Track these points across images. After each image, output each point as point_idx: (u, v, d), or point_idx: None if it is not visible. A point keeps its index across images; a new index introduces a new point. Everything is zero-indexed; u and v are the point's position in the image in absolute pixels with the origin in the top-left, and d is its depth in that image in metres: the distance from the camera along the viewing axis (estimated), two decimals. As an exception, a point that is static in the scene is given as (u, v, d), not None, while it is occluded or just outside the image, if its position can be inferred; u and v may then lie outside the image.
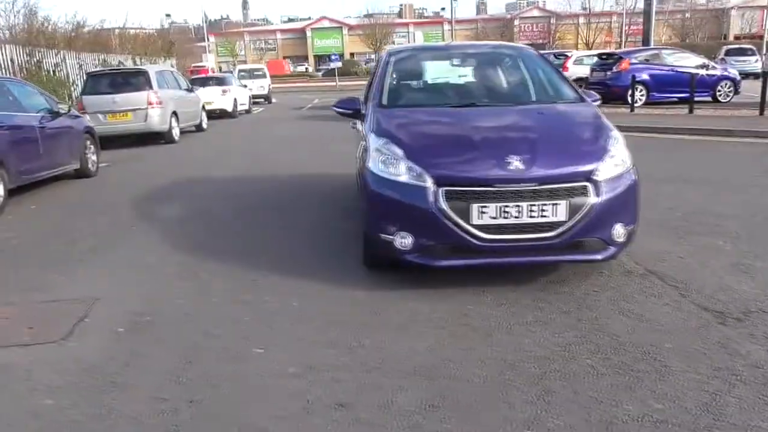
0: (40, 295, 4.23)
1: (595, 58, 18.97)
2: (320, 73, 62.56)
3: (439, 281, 4.09)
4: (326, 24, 76.62)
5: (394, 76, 5.07)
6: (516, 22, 73.08)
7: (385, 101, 4.75)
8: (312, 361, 3.11)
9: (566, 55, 21.37)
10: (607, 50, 20.09)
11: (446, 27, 74.58)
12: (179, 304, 3.95)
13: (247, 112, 23.26)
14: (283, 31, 79.55)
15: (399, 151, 3.98)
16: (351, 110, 5.04)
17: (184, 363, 3.15)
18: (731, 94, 16.70)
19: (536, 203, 3.72)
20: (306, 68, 70.87)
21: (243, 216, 6.39)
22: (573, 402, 2.68)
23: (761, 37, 54.95)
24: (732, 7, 69.03)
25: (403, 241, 3.86)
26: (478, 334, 3.39)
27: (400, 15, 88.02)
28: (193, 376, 3.02)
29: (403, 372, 2.99)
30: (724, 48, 32.46)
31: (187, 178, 8.91)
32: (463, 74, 5.33)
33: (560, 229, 3.77)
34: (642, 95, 16.25)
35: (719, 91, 16.62)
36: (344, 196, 6.93)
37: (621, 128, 4.57)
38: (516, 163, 3.79)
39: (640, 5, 54.80)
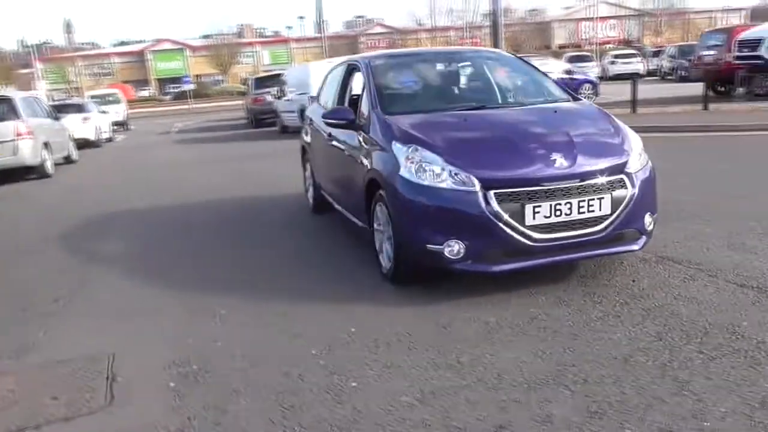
0: (33, 357, 3.54)
1: None
2: (168, 97, 59.75)
3: (471, 289, 3.97)
4: (168, 46, 73.30)
5: (383, 83, 4.87)
6: (362, 39, 74.67)
7: (389, 108, 4.54)
8: (421, 387, 2.86)
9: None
10: None
11: (293, 45, 74.63)
12: (220, 347, 3.47)
13: (109, 140, 21.57)
14: (119, 54, 74.99)
15: (434, 156, 3.82)
16: (345, 120, 4.77)
17: (281, 410, 2.75)
18: (592, 96, 18.19)
19: (584, 199, 3.73)
20: (150, 92, 67.34)
21: (209, 245, 5.83)
22: (719, 388, 2.67)
23: (579, 46, 60.96)
24: (553, 20, 75.53)
25: (454, 249, 3.69)
26: (564, 335, 3.30)
27: (239, 35, 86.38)
28: (305, 422, 2.64)
29: (530, 383, 2.82)
30: (566, 55, 35.35)
31: (102, 212, 7.99)
32: (453, 78, 5.24)
33: (605, 223, 3.80)
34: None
35: (581, 93, 18.02)
36: (298, 212, 6.61)
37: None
38: (561, 161, 3.78)
39: (479, 20, 59.45)
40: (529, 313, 3.60)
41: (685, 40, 50.93)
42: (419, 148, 3.91)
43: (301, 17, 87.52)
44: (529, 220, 3.66)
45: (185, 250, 5.69)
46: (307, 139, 6.52)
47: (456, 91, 5.08)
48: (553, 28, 76.72)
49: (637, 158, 4.01)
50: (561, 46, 68.31)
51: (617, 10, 74.62)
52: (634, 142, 4.15)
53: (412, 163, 3.85)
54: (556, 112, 4.42)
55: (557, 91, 4.93)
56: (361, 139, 4.61)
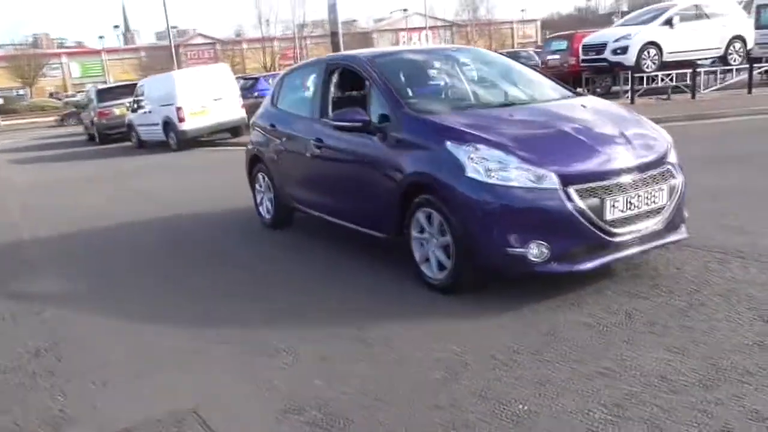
0: (85, 428, 2.77)
1: None
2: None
3: (526, 292, 3.81)
4: (-41, 57, 64.44)
5: (397, 81, 4.56)
6: (182, 50, 71.34)
7: (417, 107, 4.25)
8: (599, 399, 2.64)
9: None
10: None
11: (105, 57, 69.25)
12: (323, 386, 2.96)
13: None
14: None
15: (502, 154, 3.63)
16: (359, 122, 4.37)
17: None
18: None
19: (649, 190, 3.75)
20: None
21: (193, 269, 5.07)
22: None
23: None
24: (374, 30, 77.90)
25: (537, 251, 3.52)
26: (676, 328, 3.24)
27: (35, 45, 77.90)
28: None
29: (701, 382, 2.72)
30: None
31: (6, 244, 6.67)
32: (464, 75, 5.03)
33: (666, 213, 3.86)
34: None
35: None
36: (266, 232, 6.04)
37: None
38: (624, 153, 3.78)
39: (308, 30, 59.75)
40: (620, 311, 3.51)
41: (491, 48, 55.27)
42: (481, 146, 3.69)
43: (116, 26, 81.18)
44: (608, 215, 3.59)
45: (157, 278, 4.94)
46: (266, 148, 5.94)
47: (476, 88, 4.89)
48: (374, 38, 79.27)
49: (672, 148, 4.12)
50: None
51: (431, 21, 78.89)
52: (664, 131, 4.27)
53: (478, 162, 3.62)
54: (584, 106, 4.42)
55: (558, 86, 4.94)
56: (381, 142, 4.26)
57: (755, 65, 15.13)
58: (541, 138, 3.88)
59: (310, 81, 5.47)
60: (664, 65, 14.95)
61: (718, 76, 15.66)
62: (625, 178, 3.67)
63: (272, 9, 63.19)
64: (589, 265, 3.61)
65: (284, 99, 5.94)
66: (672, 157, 4.03)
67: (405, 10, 72.54)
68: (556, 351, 3.10)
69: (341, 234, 5.33)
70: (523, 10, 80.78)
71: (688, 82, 14.50)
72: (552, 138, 3.88)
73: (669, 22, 15.01)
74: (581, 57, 16.36)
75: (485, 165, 3.60)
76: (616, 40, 15.26)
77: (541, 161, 3.60)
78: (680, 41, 15.02)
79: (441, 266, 3.95)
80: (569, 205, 3.50)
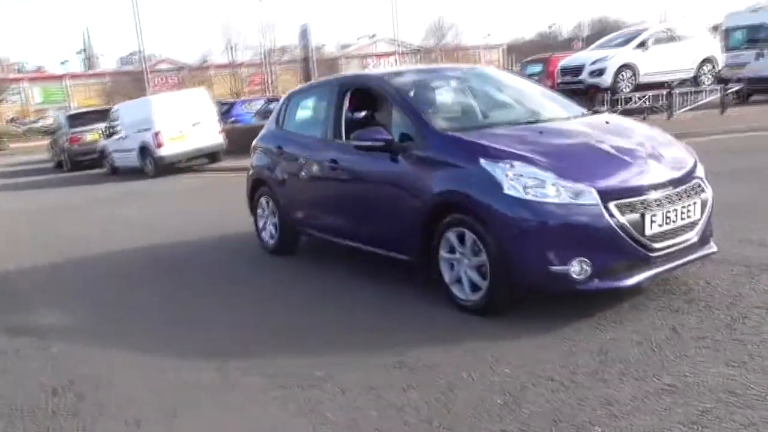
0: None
1: None
2: None
3: (559, 311, 3.74)
4: None
5: (419, 100, 4.49)
6: (149, 75, 70.65)
7: (442, 125, 4.18)
8: (679, 419, 2.55)
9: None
10: None
11: (68, 82, 68.12)
12: (397, 425, 2.77)
13: None
14: None
15: (539, 171, 3.57)
16: (383, 142, 4.27)
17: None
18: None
19: (684, 204, 3.72)
20: None
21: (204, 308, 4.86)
22: None
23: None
24: (341, 56, 78.40)
25: (580, 268, 3.45)
26: (726, 342, 3.20)
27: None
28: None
29: (762, 396, 2.66)
30: None
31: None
32: (482, 93, 4.97)
33: (698, 227, 3.84)
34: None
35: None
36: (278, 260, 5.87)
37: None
38: (657, 168, 3.76)
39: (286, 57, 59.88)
40: (664, 326, 3.45)
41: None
42: (517, 163, 3.62)
43: (80, 51, 79.78)
44: (648, 230, 3.55)
45: (163, 307, 4.73)
46: (271, 171, 5.79)
47: (495, 106, 4.84)
48: (341, 64, 79.77)
49: (698, 161, 4.12)
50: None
51: (397, 46, 79.66)
52: (688, 146, 4.27)
53: (515, 180, 3.55)
54: (608, 122, 4.40)
55: (574, 104, 4.93)
56: (405, 162, 4.17)
57: (725, 86, 15.54)
58: (574, 154, 3.84)
59: (321, 102, 5.37)
60: (638, 87, 15.26)
61: (689, 97, 16.04)
62: (662, 193, 3.64)
63: (241, 34, 62.81)
64: (630, 281, 3.55)
65: (291, 120, 5.82)
66: (700, 171, 4.03)
67: (373, 35, 73.18)
68: (613, 370, 3.02)
69: (350, 258, 5.24)
70: (488, 35, 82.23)
71: (663, 102, 14.80)
72: (585, 154, 3.84)
73: (643, 45, 15.37)
74: (558, 79, 16.61)
75: (522, 182, 3.54)
76: (593, 63, 15.55)
77: (579, 177, 3.55)
78: (654, 63, 15.38)
79: (474, 287, 3.85)
80: (611, 221, 3.45)
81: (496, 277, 3.66)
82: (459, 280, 3.95)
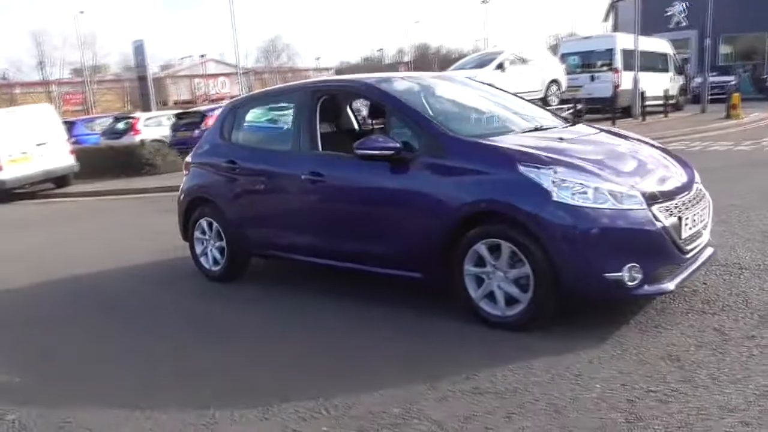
0: None
1: (173, 119, 18.19)
2: None
3: (593, 319, 3.70)
4: None
5: (418, 105, 4.21)
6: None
7: (460, 131, 3.94)
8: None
9: (132, 117, 19.62)
10: (186, 110, 19.47)
11: None
12: None
13: None
14: None
15: (586, 175, 3.48)
16: (392, 150, 3.93)
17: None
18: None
19: (700, 207, 3.83)
20: None
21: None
22: None
23: (193, 102, 61.52)
24: (167, 76, 74.78)
25: (633, 273, 3.39)
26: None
27: None
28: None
29: None
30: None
31: None
32: (480, 101, 4.75)
33: (708, 230, 3.97)
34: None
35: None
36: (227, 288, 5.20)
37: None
38: (678, 172, 3.86)
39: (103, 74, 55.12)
40: (707, 328, 3.47)
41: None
42: (560, 168, 3.50)
43: None
44: (684, 233, 3.59)
45: (112, 351, 3.93)
46: (218, 189, 5.13)
47: (493, 113, 4.64)
48: (167, 85, 76.10)
49: None
50: (176, 102, 67.92)
51: (227, 68, 77.60)
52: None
53: (563, 187, 3.41)
54: (600, 131, 4.43)
55: (552, 114, 4.94)
56: (417, 171, 3.87)
57: (571, 105, 16.97)
58: (607, 159, 3.78)
59: (286, 111, 4.88)
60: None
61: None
62: (687, 196, 3.71)
63: (57, 49, 57.28)
64: (673, 284, 3.53)
65: (242, 132, 5.23)
66: (698, 179, 4.18)
67: (203, 55, 70.70)
68: (702, 375, 2.96)
69: (314, 279, 4.82)
70: (318, 59, 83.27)
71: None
72: (616, 159, 3.81)
73: (501, 67, 16.28)
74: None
75: (570, 188, 3.41)
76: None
77: (622, 182, 3.50)
78: (511, 83, 16.30)
79: (508, 301, 3.64)
80: (658, 225, 3.42)
81: (542, 288, 3.48)
82: (489, 296, 3.72)
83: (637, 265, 3.38)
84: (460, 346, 3.55)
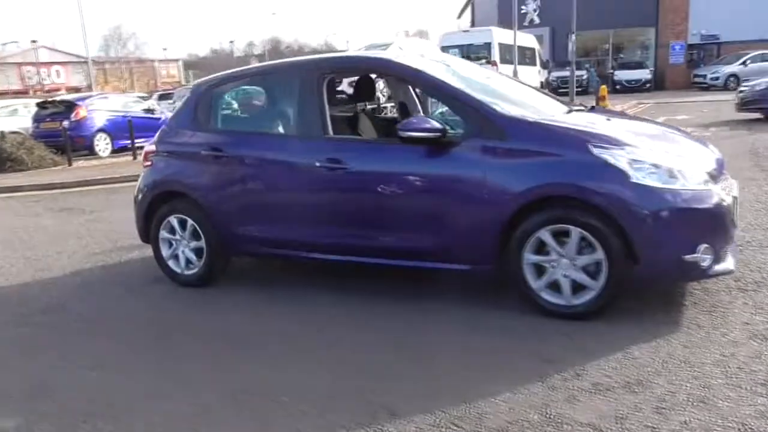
0: None
1: (35, 108, 16.04)
2: None
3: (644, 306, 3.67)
4: None
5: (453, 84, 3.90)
6: None
7: (508, 113, 3.69)
8: None
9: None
10: (50, 98, 17.04)
11: None
12: None
13: None
14: None
15: (654, 156, 3.41)
16: (437, 132, 3.60)
17: None
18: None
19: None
20: None
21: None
22: None
23: (26, 92, 56.00)
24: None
25: (707, 253, 3.36)
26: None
27: None
28: None
29: None
30: (156, 93, 31.43)
31: None
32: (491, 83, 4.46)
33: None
34: (107, 144, 15.12)
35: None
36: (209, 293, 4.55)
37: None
38: (709, 152, 3.94)
39: None
40: (747, 316, 3.43)
41: (151, 87, 53.42)
42: (635, 150, 3.39)
43: None
44: (736, 213, 3.62)
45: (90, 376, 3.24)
46: (199, 181, 4.47)
47: (520, 94, 4.38)
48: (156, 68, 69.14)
49: None
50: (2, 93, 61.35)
51: (64, 56, 71.01)
52: None
53: (640, 168, 3.30)
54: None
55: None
56: (467, 154, 3.58)
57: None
58: (665, 140, 3.73)
59: (282, 91, 4.33)
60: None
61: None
62: (726, 175, 3.77)
63: None
64: (733, 264, 3.54)
65: (226, 116, 4.60)
66: None
67: (34, 41, 64.00)
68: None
69: (313, 275, 4.49)
70: (165, 49, 78.75)
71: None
72: (671, 140, 3.78)
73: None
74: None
75: (644, 169, 3.30)
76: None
77: (688, 162, 3.46)
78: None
79: (574, 290, 3.47)
80: (724, 204, 3.42)
81: (617, 275, 3.34)
82: (551, 285, 3.52)
83: (708, 244, 3.35)
84: (539, 340, 3.31)
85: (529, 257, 3.53)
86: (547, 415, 2.57)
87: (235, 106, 4.65)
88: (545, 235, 3.46)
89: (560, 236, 3.45)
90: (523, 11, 36.20)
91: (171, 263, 4.72)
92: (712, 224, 3.38)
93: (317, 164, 3.97)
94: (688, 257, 3.29)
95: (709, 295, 3.74)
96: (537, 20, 35.51)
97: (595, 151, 3.35)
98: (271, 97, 4.57)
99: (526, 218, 3.47)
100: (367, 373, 3.08)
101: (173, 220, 4.62)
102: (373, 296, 4.11)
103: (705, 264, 3.34)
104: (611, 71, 30.31)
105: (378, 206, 3.88)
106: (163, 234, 4.69)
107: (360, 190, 3.92)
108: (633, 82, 28.69)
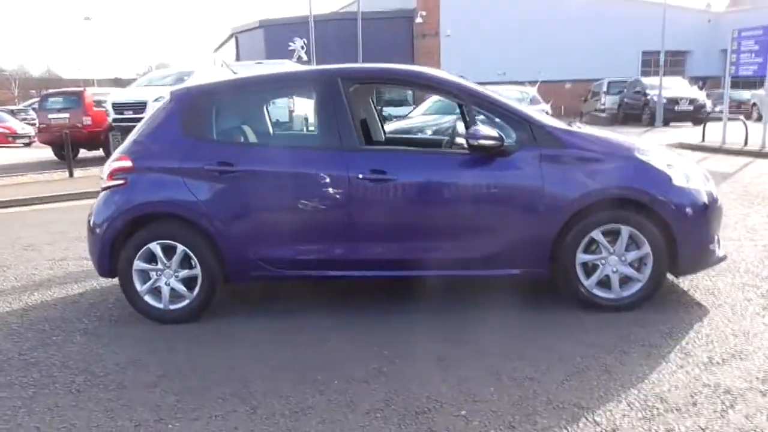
0: None
1: None
2: None
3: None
4: None
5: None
6: None
7: (561, 125, 3.97)
8: None
9: None
10: None
11: None
12: None
13: None
14: None
15: (679, 161, 4.00)
16: (499, 142, 3.72)
17: None
18: None
19: None
20: None
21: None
22: None
23: None
24: None
25: (717, 244, 4.00)
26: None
27: None
28: None
29: None
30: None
31: None
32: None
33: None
34: None
35: None
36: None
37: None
38: None
39: None
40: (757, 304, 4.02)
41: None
42: (661, 155, 3.91)
43: None
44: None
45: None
46: (193, 200, 3.88)
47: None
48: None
49: None
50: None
51: None
52: None
53: (674, 171, 3.82)
54: None
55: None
56: (524, 163, 3.76)
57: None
58: (657, 148, 4.28)
59: (302, 101, 4.03)
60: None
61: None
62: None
63: None
64: (723, 251, 4.17)
65: (232, 127, 4.09)
66: None
67: None
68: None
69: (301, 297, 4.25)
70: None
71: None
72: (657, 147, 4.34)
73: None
74: (113, 116, 15.23)
75: (680, 173, 3.83)
76: (157, 99, 14.86)
77: (691, 165, 4.08)
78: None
79: (621, 284, 3.84)
80: (719, 201, 4.07)
81: (662, 268, 3.78)
82: (601, 282, 3.84)
83: (717, 236, 3.98)
84: (596, 338, 3.56)
85: (582, 257, 3.80)
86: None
87: (242, 116, 4.17)
88: (598, 234, 3.77)
89: (608, 235, 3.78)
90: (291, 48, 37.15)
91: (148, 298, 4.02)
92: (719, 218, 4.02)
93: (360, 176, 3.79)
94: (712, 247, 3.87)
95: (698, 289, 4.35)
96: (305, 57, 36.61)
97: (641, 156, 3.78)
98: (284, 107, 4.23)
99: (579, 221, 3.74)
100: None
101: (154, 247, 3.96)
102: (352, 310, 4.00)
103: (720, 252, 3.95)
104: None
105: (427, 217, 3.84)
106: (139, 264, 3.99)
107: (409, 201, 3.84)
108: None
